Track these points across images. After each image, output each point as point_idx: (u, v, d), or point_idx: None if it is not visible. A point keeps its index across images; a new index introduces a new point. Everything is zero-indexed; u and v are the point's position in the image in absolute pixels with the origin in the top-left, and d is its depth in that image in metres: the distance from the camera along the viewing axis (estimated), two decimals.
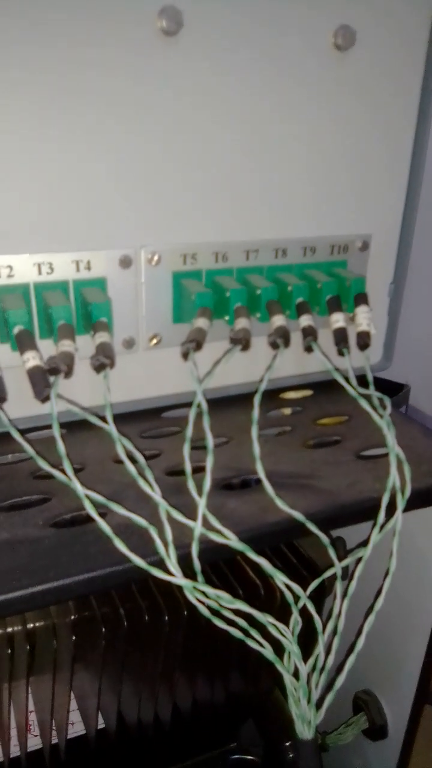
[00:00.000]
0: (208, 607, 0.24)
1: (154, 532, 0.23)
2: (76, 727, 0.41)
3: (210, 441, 0.25)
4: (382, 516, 0.27)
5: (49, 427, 0.25)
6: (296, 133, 0.32)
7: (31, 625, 0.28)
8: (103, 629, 0.27)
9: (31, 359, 0.26)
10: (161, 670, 0.29)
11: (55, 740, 0.38)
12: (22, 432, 0.25)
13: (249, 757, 0.46)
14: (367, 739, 0.44)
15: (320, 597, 0.27)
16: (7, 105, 0.25)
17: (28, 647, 0.26)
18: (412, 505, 0.28)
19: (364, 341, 0.32)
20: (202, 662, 0.32)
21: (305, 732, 0.26)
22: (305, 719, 0.26)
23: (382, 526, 0.27)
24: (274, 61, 0.30)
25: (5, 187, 0.27)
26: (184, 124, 0.29)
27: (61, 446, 0.23)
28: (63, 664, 0.27)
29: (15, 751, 0.38)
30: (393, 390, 0.73)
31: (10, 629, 0.28)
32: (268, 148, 0.31)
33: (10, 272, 0.28)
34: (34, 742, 0.41)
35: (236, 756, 0.46)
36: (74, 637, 0.26)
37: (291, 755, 0.39)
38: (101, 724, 0.39)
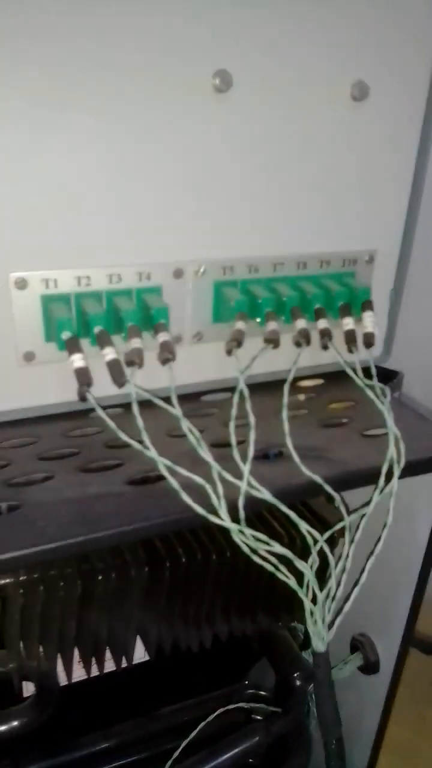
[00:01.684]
0: (249, 547, 0.31)
1: (209, 489, 0.31)
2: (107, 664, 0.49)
3: (252, 419, 0.32)
4: (381, 481, 0.34)
5: (112, 407, 0.32)
6: (318, 168, 0.39)
7: (102, 564, 0.35)
8: (168, 564, 0.34)
9: (110, 353, 0.33)
10: (206, 606, 0.37)
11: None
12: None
13: (261, 692, 0.54)
14: (361, 674, 0.52)
15: (332, 544, 0.34)
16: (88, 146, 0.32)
17: (110, 578, 0.33)
18: (405, 473, 0.35)
19: (369, 341, 0.39)
20: (237, 599, 0.39)
21: (320, 646, 0.34)
22: (320, 636, 0.34)
23: (382, 489, 0.34)
24: (302, 109, 0.37)
25: (89, 213, 0.34)
26: (228, 163, 0.36)
27: (140, 422, 0.31)
28: (134, 596, 0.35)
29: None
30: (388, 377, 0.81)
31: (86, 566, 0.35)
32: (294, 181, 0.38)
33: (89, 281, 0.35)
34: (79, 674, 0.48)
35: (250, 690, 0.54)
36: (147, 569, 0.34)
37: (299, 683, 0.47)
38: (140, 658, 0.47)
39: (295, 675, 0.47)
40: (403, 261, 0.45)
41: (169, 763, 0.45)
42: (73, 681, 0.45)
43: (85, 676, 0.46)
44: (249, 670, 0.58)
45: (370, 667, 0.50)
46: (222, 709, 0.47)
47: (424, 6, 0.37)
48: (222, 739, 0.45)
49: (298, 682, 0.46)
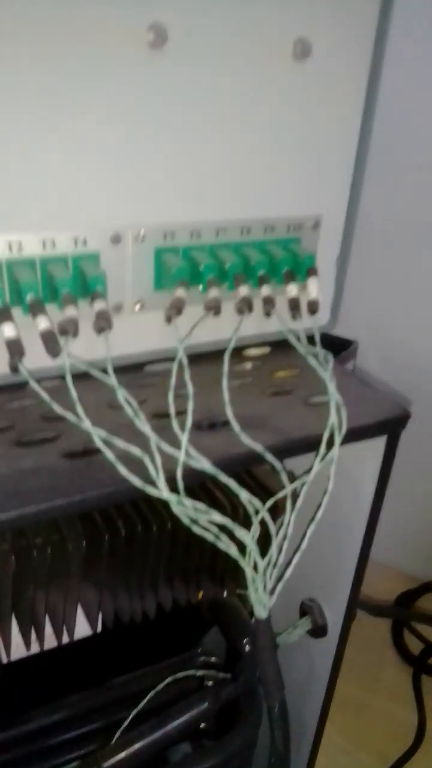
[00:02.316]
0: (189, 517, 0.31)
1: (147, 460, 0.30)
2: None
3: (190, 389, 0.32)
4: (323, 448, 0.34)
5: (49, 379, 0.31)
6: (260, 130, 0.37)
7: (39, 539, 0.34)
8: (107, 537, 0.34)
9: (43, 322, 0.32)
10: (148, 576, 0.36)
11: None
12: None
13: (212, 658, 0.55)
14: (311, 638, 0.53)
15: (273, 513, 0.34)
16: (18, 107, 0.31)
17: (46, 553, 0.33)
18: (347, 440, 0.35)
19: (313, 308, 0.39)
20: (180, 568, 0.39)
21: (262, 613, 0.34)
22: (262, 603, 0.34)
23: (323, 457, 0.34)
24: (241, 68, 0.35)
25: (20, 174, 0.32)
26: (166, 125, 0.34)
27: (73, 393, 0.30)
28: (72, 570, 0.34)
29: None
30: (342, 346, 0.81)
31: (22, 541, 0.34)
32: (235, 143, 0.37)
33: (20, 247, 0.34)
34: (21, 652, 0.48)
35: (201, 658, 0.55)
36: (84, 544, 0.33)
37: (248, 649, 0.47)
38: (84, 632, 0.47)
39: (244, 641, 0.47)
40: (348, 227, 0.44)
41: (119, 732, 0.45)
42: (12, 659, 0.45)
43: (25, 654, 0.46)
44: (201, 638, 0.59)
45: (318, 630, 0.51)
46: (171, 678, 0.48)
47: None
48: (171, 707, 0.45)
49: (246, 648, 0.47)
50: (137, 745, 0.43)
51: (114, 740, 0.44)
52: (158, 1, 0.32)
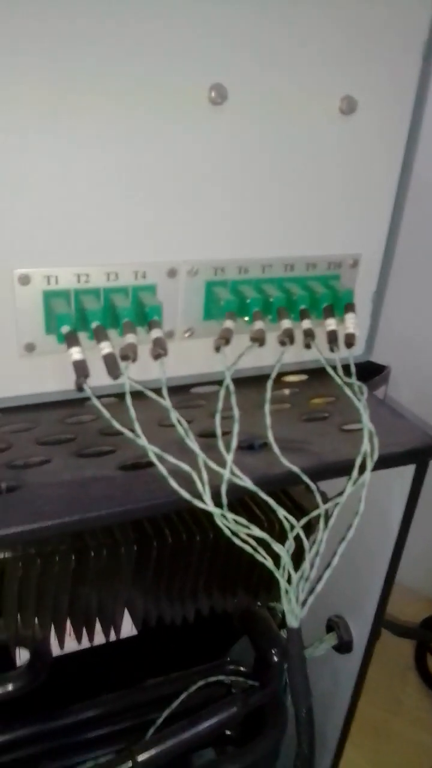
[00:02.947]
0: (230, 530, 0.34)
1: (195, 476, 0.33)
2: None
3: (236, 412, 0.35)
4: (355, 473, 0.37)
5: (107, 396, 0.35)
6: (307, 176, 0.41)
7: (94, 542, 0.38)
8: (155, 543, 0.37)
9: (106, 347, 0.35)
10: (189, 583, 0.39)
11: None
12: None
13: (240, 667, 0.57)
14: (336, 653, 0.55)
15: (309, 530, 0.37)
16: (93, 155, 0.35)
17: (101, 555, 0.36)
18: (378, 466, 0.38)
19: (350, 341, 0.42)
20: (219, 578, 0.42)
21: (294, 623, 0.37)
22: (294, 614, 0.36)
23: (355, 481, 0.37)
24: (292, 121, 0.39)
25: (90, 215, 0.36)
26: (222, 172, 0.38)
27: (132, 412, 0.33)
28: (122, 573, 0.38)
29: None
30: (375, 371, 0.83)
31: (80, 544, 0.38)
32: (283, 187, 0.41)
33: (87, 279, 0.37)
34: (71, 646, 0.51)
35: (230, 666, 0.57)
36: (135, 548, 0.37)
37: (276, 659, 0.50)
38: (126, 633, 0.50)
39: (273, 651, 0.50)
40: (385, 266, 0.47)
41: (151, 730, 0.48)
42: (64, 652, 0.48)
43: (77, 648, 0.49)
44: (230, 647, 0.62)
45: (343, 646, 0.53)
46: (202, 682, 0.50)
47: (410, 26, 0.39)
48: (202, 710, 0.48)
49: (275, 658, 0.49)
50: (169, 743, 0.46)
51: (147, 737, 0.47)
52: (220, 65, 0.36)
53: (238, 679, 0.52)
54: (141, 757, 0.46)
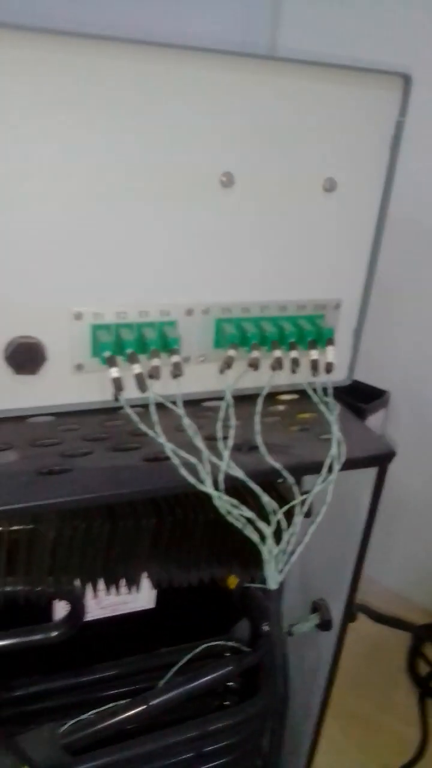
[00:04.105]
0: (226, 510, 0.45)
1: (200, 467, 0.44)
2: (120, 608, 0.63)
3: (233, 422, 0.46)
4: (324, 471, 0.48)
5: (136, 406, 0.46)
6: (299, 238, 0.52)
7: (122, 513, 0.49)
8: (169, 518, 0.48)
9: (137, 368, 0.47)
10: (194, 554, 0.50)
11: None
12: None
13: (238, 646, 0.68)
14: (319, 631, 0.65)
15: (288, 518, 0.48)
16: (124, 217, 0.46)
17: (128, 524, 0.47)
18: (345, 467, 0.49)
19: (329, 369, 0.53)
20: (217, 551, 0.53)
21: (274, 585, 0.47)
22: (274, 578, 0.47)
23: (325, 478, 0.48)
24: (286, 197, 0.50)
25: (129, 270, 0.48)
26: (230, 238, 0.50)
27: (155, 418, 0.44)
28: (142, 542, 0.49)
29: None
30: (375, 395, 0.92)
31: (112, 515, 0.49)
32: (279, 248, 0.52)
33: (125, 316, 0.49)
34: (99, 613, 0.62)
35: (231, 642, 0.68)
36: (153, 521, 0.48)
37: (266, 629, 0.60)
38: (140, 606, 0.61)
39: (264, 624, 0.60)
40: (363, 307, 0.58)
41: (161, 682, 0.59)
42: (94, 618, 0.60)
43: (104, 615, 0.61)
44: (232, 627, 0.72)
45: (324, 624, 0.63)
46: (205, 645, 0.61)
47: (379, 125, 0.51)
48: (203, 667, 0.59)
49: (265, 629, 0.60)
50: (176, 691, 0.57)
51: (159, 685, 0.58)
52: (230, 157, 0.47)
53: (236, 646, 0.63)
54: (153, 702, 0.56)
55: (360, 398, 0.64)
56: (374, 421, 0.65)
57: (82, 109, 0.42)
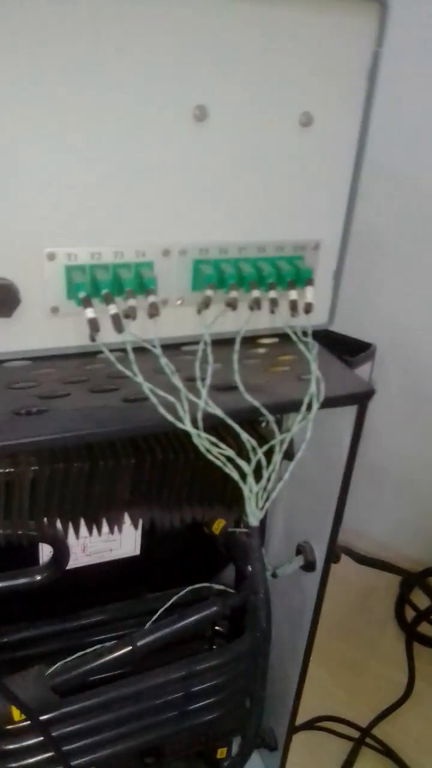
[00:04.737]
0: (205, 448, 0.45)
1: (178, 405, 0.44)
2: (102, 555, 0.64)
3: (211, 360, 0.46)
4: (303, 409, 0.48)
5: (114, 350, 0.46)
6: (276, 176, 0.51)
7: (102, 453, 0.49)
8: (148, 457, 0.48)
9: (113, 309, 0.46)
10: (175, 494, 0.51)
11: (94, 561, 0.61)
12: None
13: (224, 588, 0.69)
14: (303, 572, 0.66)
15: (269, 456, 0.48)
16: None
17: (108, 463, 0.47)
18: (324, 406, 0.49)
19: (308, 309, 0.53)
20: (199, 491, 0.53)
21: (255, 522, 0.48)
22: (254, 515, 0.47)
23: (304, 417, 0.48)
24: (262, 133, 0.49)
25: (102, 208, 0.47)
26: (205, 174, 0.49)
27: (132, 357, 0.44)
28: (123, 482, 0.49)
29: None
30: (361, 348, 0.91)
31: (91, 454, 0.49)
32: (257, 187, 0.51)
33: (100, 256, 0.48)
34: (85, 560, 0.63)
35: (216, 586, 0.69)
36: (133, 460, 0.48)
37: (250, 570, 0.61)
38: (125, 553, 0.62)
39: (248, 565, 0.61)
40: (342, 249, 0.57)
41: (148, 624, 0.60)
42: (80, 565, 0.60)
43: (90, 562, 0.61)
44: (219, 572, 0.73)
45: (309, 565, 0.64)
46: (191, 588, 0.62)
47: (356, 55, 0.49)
48: (189, 608, 0.59)
49: (249, 570, 0.60)
50: (163, 632, 0.58)
51: (145, 627, 0.59)
52: (202, 90, 0.46)
53: (221, 588, 0.64)
54: (140, 642, 0.57)
55: (346, 351, 0.64)
56: (360, 374, 0.66)
57: (47, 39, 0.41)
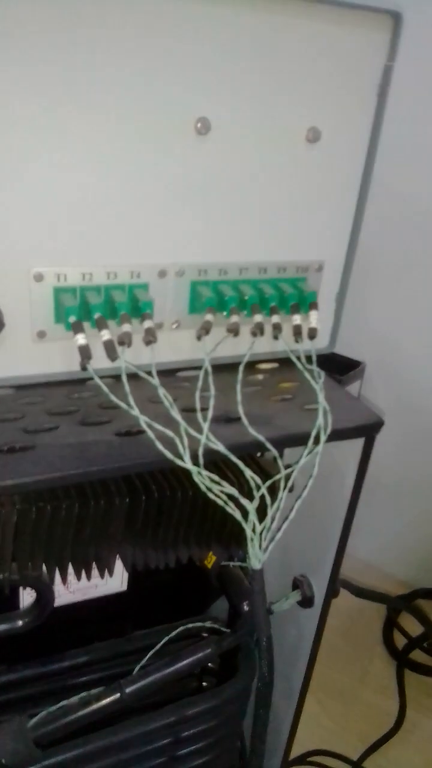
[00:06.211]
0: (205, 486, 0.42)
1: (177, 440, 0.41)
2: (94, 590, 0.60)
3: (213, 391, 0.42)
4: (310, 443, 0.45)
5: (106, 377, 0.42)
6: (279, 194, 0.48)
7: (93, 493, 0.45)
8: (143, 497, 0.45)
9: (106, 335, 0.42)
10: (171, 534, 0.47)
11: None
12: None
13: (217, 626, 0.65)
14: (300, 608, 0.62)
15: (273, 494, 0.45)
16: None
17: (99, 504, 0.43)
18: (331, 438, 0.46)
19: (312, 334, 0.50)
20: (196, 530, 0.50)
21: (257, 565, 0.44)
22: (257, 557, 0.44)
23: (311, 450, 0.45)
24: (267, 149, 0.46)
25: (94, 224, 0.43)
26: (206, 190, 0.45)
27: (127, 388, 0.40)
28: (115, 523, 0.45)
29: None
30: (350, 366, 0.89)
31: (82, 494, 0.45)
32: (259, 203, 0.48)
33: (91, 277, 0.45)
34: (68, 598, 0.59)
35: (209, 622, 0.65)
36: (127, 500, 0.44)
37: (246, 609, 0.57)
38: (111, 589, 0.58)
39: (244, 603, 0.57)
40: (346, 270, 0.55)
41: (137, 668, 0.56)
42: (63, 603, 0.56)
43: (75, 600, 0.57)
44: (209, 606, 0.69)
45: (306, 601, 0.61)
46: (183, 627, 0.58)
47: (366, 71, 0.47)
48: (181, 651, 0.56)
49: (245, 608, 0.57)
50: (152, 677, 0.54)
51: (134, 672, 0.55)
52: (206, 101, 0.43)
53: (214, 626, 0.60)
54: (128, 689, 0.53)
55: (335, 369, 0.61)
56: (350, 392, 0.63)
57: (42, 46, 0.37)
